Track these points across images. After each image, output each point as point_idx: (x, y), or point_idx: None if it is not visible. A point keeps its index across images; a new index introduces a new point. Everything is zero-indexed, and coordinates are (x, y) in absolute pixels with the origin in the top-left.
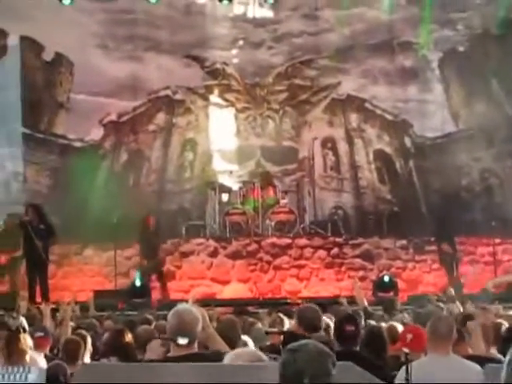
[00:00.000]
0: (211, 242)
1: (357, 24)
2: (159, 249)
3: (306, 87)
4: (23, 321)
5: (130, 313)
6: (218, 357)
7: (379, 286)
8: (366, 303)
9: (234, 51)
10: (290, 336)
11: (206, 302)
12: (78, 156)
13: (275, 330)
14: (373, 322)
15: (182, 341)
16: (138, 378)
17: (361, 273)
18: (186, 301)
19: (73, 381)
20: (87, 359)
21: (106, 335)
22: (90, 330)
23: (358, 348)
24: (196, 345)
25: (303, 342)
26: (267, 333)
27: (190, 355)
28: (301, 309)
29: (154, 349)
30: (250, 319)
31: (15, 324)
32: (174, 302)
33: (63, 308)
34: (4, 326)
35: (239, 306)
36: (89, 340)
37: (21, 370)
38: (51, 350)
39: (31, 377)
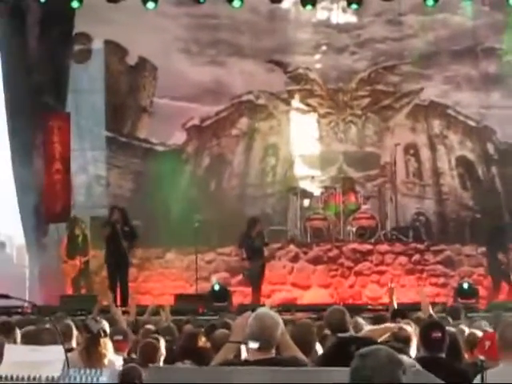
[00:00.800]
0: (292, 247)
1: (440, 30)
2: (263, 252)
3: (388, 93)
4: (105, 324)
5: (210, 317)
6: (294, 362)
7: (460, 292)
8: (431, 311)
9: (317, 56)
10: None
11: (287, 307)
12: (160, 160)
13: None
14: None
15: (253, 345)
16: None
17: (442, 279)
18: (263, 305)
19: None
20: (160, 363)
21: (180, 339)
22: (167, 335)
23: (443, 355)
24: (274, 350)
25: (375, 347)
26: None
27: (266, 360)
28: (329, 311)
29: (226, 352)
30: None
31: (97, 327)
32: (253, 307)
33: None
34: (86, 328)
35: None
36: (162, 344)
37: (93, 372)
38: (129, 353)
39: (102, 379)
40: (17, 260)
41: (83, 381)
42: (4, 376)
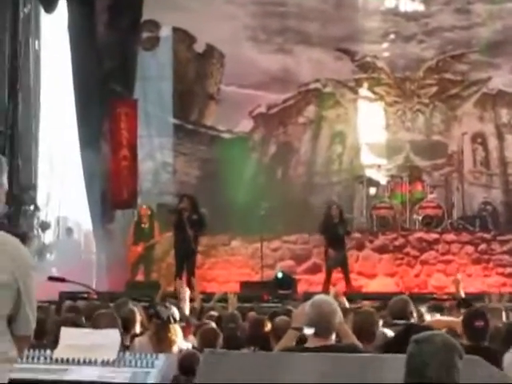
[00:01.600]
0: (358, 236)
1: (508, 19)
2: (345, 240)
3: (456, 81)
4: (175, 311)
5: (275, 305)
6: (353, 350)
7: None
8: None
9: (385, 45)
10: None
11: (352, 296)
12: (226, 147)
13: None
14: None
15: (309, 331)
16: (262, 367)
17: (508, 269)
18: (328, 292)
19: (199, 368)
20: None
21: (246, 325)
22: (231, 322)
23: (486, 343)
24: (333, 336)
25: (431, 333)
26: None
27: (324, 346)
28: (393, 300)
29: (288, 339)
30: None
31: (166, 313)
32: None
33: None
34: (155, 314)
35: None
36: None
37: (148, 356)
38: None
39: (157, 363)
40: (84, 246)
41: (138, 365)
42: (59, 359)
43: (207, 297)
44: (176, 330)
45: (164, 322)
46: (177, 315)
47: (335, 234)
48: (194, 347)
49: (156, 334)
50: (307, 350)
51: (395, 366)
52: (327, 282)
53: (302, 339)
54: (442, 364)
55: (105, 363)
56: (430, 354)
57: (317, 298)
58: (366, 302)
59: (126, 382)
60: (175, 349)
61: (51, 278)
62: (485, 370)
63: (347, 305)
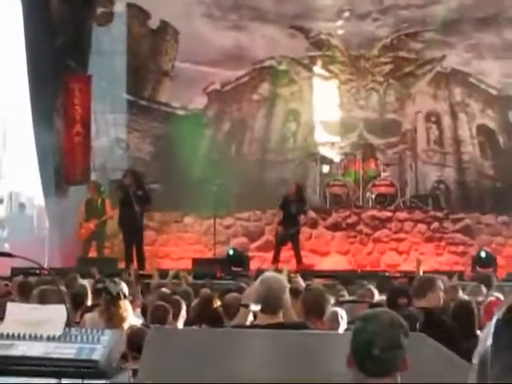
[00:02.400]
0: (311, 214)
1: None
2: (299, 218)
3: (410, 60)
4: (124, 286)
5: (228, 282)
6: (301, 327)
7: (478, 261)
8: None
9: (340, 22)
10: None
11: (305, 273)
12: (180, 124)
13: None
14: (465, 297)
15: (255, 307)
16: (208, 343)
17: (461, 248)
18: (281, 270)
19: (145, 344)
20: (180, 326)
21: (195, 303)
22: (184, 298)
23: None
24: (281, 314)
25: (376, 310)
26: (342, 302)
27: (275, 324)
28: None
29: (241, 316)
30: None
31: (116, 289)
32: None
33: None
34: (105, 290)
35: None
36: (183, 307)
37: (94, 331)
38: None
39: (103, 338)
40: (37, 222)
41: (84, 340)
42: (5, 334)
43: (160, 273)
44: (126, 306)
45: (114, 297)
46: (126, 291)
47: (288, 211)
48: (143, 324)
49: (106, 310)
50: (256, 327)
51: (344, 343)
52: (275, 259)
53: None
54: (387, 342)
55: (50, 339)
56: (376, 332)
57: (266, 274)
58: (319, 280)
59: (71, 357)
60: (126, 325)
61: None
62: (429, 347)
63: (302, 283)
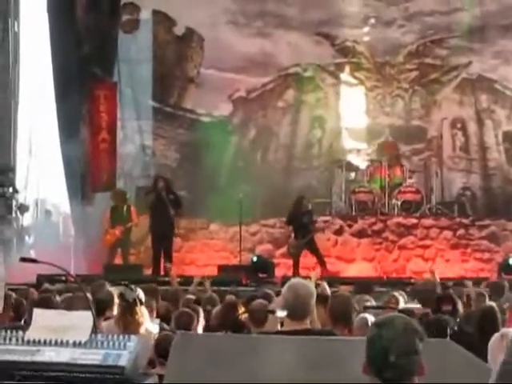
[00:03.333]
0: (337, 220)
1: (489, 4)
2: (310, 229)
3: (436, 66)
4: (140, 293)
5: (253, 288)
6: (328, 335)
7: (504, 268)
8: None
9: (365, 29)
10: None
11: (330, 280)
12: (206, 131)
13: (374, 305)
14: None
15: (281, 313)
16: (233, 350)
17: (486, 255)
18: (309, 277)
19: (171, 350)
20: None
21: (219, 309)
22: (208, 305)
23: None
24: (309, 320)
25: (390, 316)
26: (367, 308)
27: (300, 330)
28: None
29: (270, 324)
30: (366, 297)
31: (132, 296)
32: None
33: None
34: (121, 297)
35: (361, 284)
36: (201, 314)
37: (120, 337)
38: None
39: (130, 344)
40: (63, 229)
41: (110, 346)
42: (32, 340)
43: (185, 280)
44: (142, 312)
45: (130, 304)
46: (142, 297)
47: (299, 223)
48: (168, 330)
49: (122, 317)
50: (281, 333)
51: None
52: (295, 268)
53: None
54: (403, 347)
55: (76, 345)
56: (391, 338)
57: (293, 280)
58: (344, 287)
59: (97, 363)
60: (142, 330)
61: (23, 259)
62: (454, 353)
63: (328, 290)
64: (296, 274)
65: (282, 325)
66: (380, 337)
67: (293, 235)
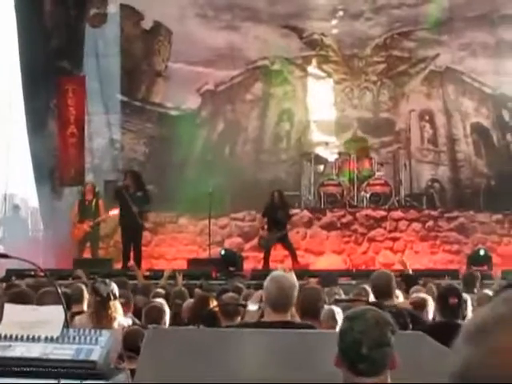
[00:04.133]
0: (306, 213)
1: None
2: (284, 221)
3: (404, 59)
4: (114, 287)
5: (223, 282)
6: (308, 328)
7: (473, 259)
8: None
9: (333, 22)
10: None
11: (300, 273)
12: (174, 124)
13: (345, 298)
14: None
15: (252, 307)
16: (205, 343)
17: (455, 246)
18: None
19: (143, 344)
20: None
21: (191, 303)
22: (178, 298)
23: (460, 320)
24: (289, 313)
25: (362, 309)
26: (338, 301)
27: (280, 322)
28: (374, 275)
29: (251, 315)
30: (335, 289)
31: (106, 290)
32: (266, 272)
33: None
34: (95, 291)
35: (328, 277)
36: (166, 309)
37: (92, 332)
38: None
39: (101, 339)
40: (32, 223)
41: (82, 341)
42: (3, 335)
43: (154, 274)
44: (116, 307)
45: (104, 298)
46: (116, 292)
47: (274, 217)
48: (137, 324)
49: (96, 312)
50: (262, 324)
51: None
52: (266, 261)
53: None
54: (375, 340)
55: (48, 340)
56: (363, 331)
57: (275, 273)
58: (313, 280)
59: (69, 358)
60: (115, 325)
61: None
62: (428, 346)
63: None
64: (266, 266)
65: (261, 316)
66: (352, 329)
67: (266, 227)
